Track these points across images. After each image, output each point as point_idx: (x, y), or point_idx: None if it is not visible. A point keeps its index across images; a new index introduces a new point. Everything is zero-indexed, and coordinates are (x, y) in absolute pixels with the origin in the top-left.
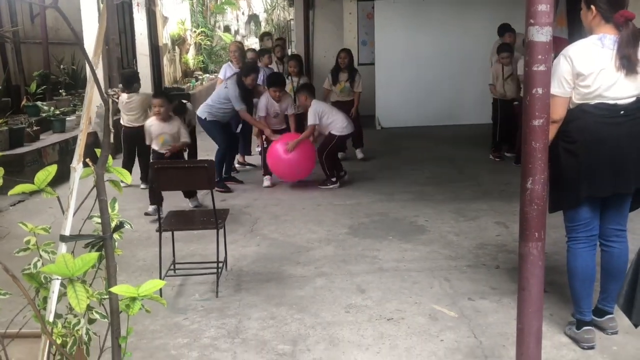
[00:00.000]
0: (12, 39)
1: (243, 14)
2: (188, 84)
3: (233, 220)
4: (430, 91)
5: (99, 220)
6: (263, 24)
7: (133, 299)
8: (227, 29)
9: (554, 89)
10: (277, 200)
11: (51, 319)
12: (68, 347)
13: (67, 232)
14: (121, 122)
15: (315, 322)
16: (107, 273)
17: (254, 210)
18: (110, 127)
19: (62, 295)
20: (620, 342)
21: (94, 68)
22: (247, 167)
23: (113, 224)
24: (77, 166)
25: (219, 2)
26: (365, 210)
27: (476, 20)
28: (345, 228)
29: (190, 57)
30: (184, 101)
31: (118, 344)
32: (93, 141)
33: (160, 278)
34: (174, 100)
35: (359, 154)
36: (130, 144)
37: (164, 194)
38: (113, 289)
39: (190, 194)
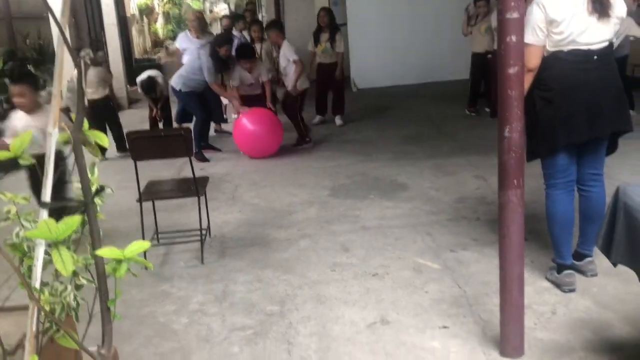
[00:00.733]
0: None
1: None
2: (158, 54)
3: (213, 188)
4: (404, 50)
5: (79, 185)
6: None
7: (119, 262)
8: None
9: (528, 38)
10: (256, 166)
11: (37, 286)
12: (57, 313)
13: (47, 199)
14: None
15: (301, 282)
16: (91, 237)
17: (234, 177)
18: (84, 89)
19: (47, 263)
20: (600, 283)
21: (64, 30)
22: (225, 134)
23: (93, 189)
24: (52, 131)
25: None
26: (345, 172)
27: None
28: (326, 190)
29: (159, 26)
30: (152, 75)
31: (107, 307)
32: (65, 116)
33: None
34: (39, 85)
35: (338, 120)
36: (97, 118)
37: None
38: (98, 252)
39: None
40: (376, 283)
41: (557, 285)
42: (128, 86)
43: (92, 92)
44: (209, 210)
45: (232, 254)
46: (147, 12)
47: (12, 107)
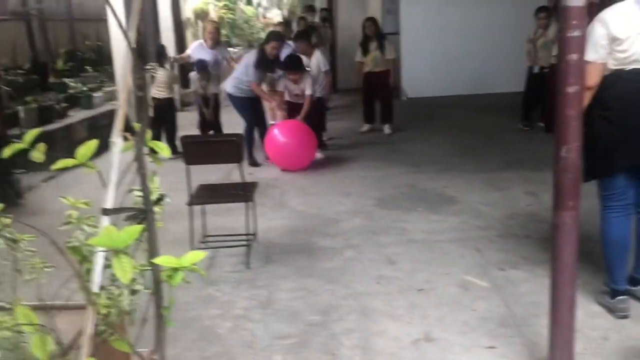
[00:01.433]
0: (38, 16)
1: None
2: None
3: (260, 193)
4: (457, 60)
5: (140, 194)
6: None
7: (175, 270)
8: (249, 1)
9: (590, 55)
10: (303, 173)
11: (96, 290)
12: (112, 317)
13: (109, 206)
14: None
15: (346, 293)
16: (149, 245)
17: (281, 183)
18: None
19: (104, 267)
20: None
21: (131, 43)
22: None
23: (154, 197)
24: (117, 140)
25: None
26: (392, 182)
27: None
28: (373, 200)
29: None
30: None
31: (161, 314)
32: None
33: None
34: None
35: (387, 129)
36: (157, 117)
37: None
38: (155, 260)
39: None
40: (422, 298)
41: (610, 310)
42: (181, 89)
43: (159, 92)
44: (256, 215)
45: (277, 260)
46: (202, 16)
47: (70, 106)
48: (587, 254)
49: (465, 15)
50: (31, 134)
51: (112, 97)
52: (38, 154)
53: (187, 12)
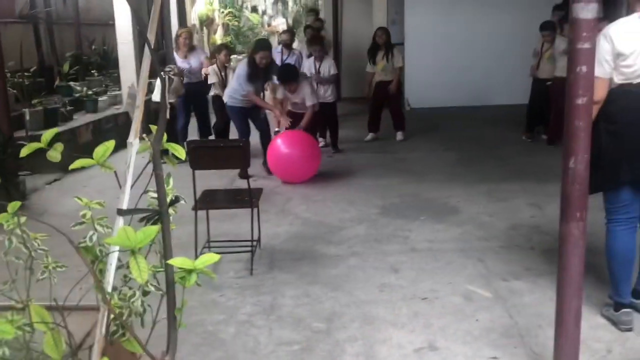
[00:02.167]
0: (45, 19)
1: None
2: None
3: (265, 200)
4: (460, 71)
5: (155, 195)
6: (290, 3)
7: (189, 272)
8: (254, 9)
9: (595, 70)
10: (308, 181)
11: (109, 290)
12: (124, 318)
13: (124, 206)
14: (152, 98)
15: (349, 300)
16: (163, 246)
17: (285, 190)
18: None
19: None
20: None
21: (151, 45)
22: None
23: (168, 199)
24: (134, 141)
25: None
26: (396, 191)
27: None
28: (376, 208)
29: (218, 37)
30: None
31: (174, 315)
32: (125, 122)
33: (196, 256)
34: None
35: (399, 136)
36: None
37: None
38: (171, 261)
39: None
40: (425, 307)
41: (614, 323)
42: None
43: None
44: (260, 222)
45: (281, 266)
46: (207, 22)
47: (75, 109)
48: (592, 266)
49: (469, 27)
50: (49, 133)
51: (116, 101)
52: (55, 154)
53: (193, 18)
